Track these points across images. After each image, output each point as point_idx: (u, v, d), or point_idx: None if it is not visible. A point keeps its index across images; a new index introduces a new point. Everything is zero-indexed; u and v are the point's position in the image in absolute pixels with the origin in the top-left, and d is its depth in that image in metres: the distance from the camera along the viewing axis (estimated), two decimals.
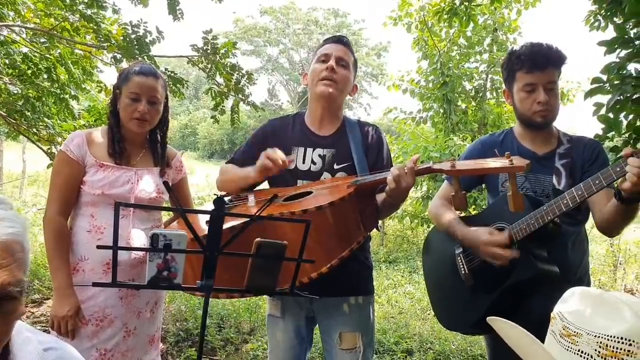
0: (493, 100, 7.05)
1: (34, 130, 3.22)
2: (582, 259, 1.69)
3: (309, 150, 1.73)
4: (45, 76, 3.11)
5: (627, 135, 1.91)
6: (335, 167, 1.71)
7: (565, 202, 1.45)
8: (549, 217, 1.47)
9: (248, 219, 1.30)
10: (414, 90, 6.97)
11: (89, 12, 2.92)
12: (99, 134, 1.82)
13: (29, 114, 3.14)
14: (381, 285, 5.44)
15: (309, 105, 1.83)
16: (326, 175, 1.71)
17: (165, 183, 1.27)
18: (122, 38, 2.82)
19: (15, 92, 3.19)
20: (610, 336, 0.68)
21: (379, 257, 7.03)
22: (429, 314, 4.24)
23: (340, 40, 1.77)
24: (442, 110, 6.82)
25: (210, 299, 1.47)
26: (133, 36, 2.87)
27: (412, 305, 4.66)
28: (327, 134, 1.77)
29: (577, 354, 0.71)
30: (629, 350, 0.67)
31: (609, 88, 1.80)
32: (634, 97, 1.81)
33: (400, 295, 5.10)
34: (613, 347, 0.68)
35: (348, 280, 1.65)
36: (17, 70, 3.08)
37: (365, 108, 37.98)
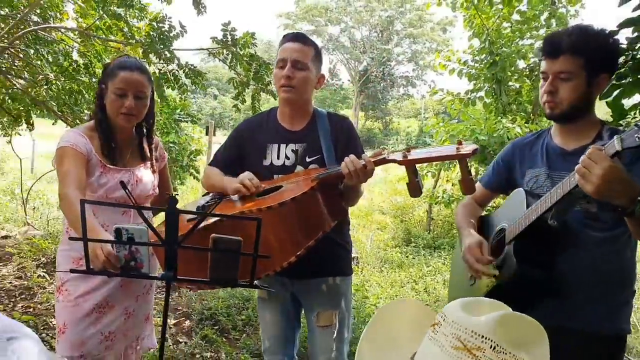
0: None
1: (77, 121, 3.51)
2: (609, 268, 1.46)
3: (282, 146, 1.81)
4: (84, 71, 3.37)
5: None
6: (307, 160, 1.78)
7: (545, 201, 1.35)
8: (534, 217, 1.39)
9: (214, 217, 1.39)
10: (461, 71, 6.68)
11: (119, 11, 3.11)
12: (93, 133, 1.82)
13: (73, 106, 3.44)
14: (419, 272, 5.36)
15: (279, 104, 1.89)
16: (299, 168, 1.78)
17: (121, 183, 1.35)
18: (147, 34, 2.99)
19: (63, 87, 3.49)
20: (464, 328, 0.71)
21: (423, 242, 6.92)
22: None
23: (295, 38, 1.79)
24: (492, 91, 6.49)
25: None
26: (158, 31, 3.03)
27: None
28: (297, 128, 1.84)
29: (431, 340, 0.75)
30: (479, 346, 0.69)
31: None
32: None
33: (439, 283, 5.01)
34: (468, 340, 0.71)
35: (326, 262, 1.78)
36: (60, 67, 3.38)
37: (430, 85, 36.83)
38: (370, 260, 5.66)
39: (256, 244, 1.36)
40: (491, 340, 0.70)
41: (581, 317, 1.44)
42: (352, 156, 1.53)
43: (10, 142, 6.39)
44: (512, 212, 1.52)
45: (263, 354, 2.01)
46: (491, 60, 6.21)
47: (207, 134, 7.77)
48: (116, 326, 1.85)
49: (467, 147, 1.33)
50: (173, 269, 1.36)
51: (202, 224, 1.47)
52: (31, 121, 3.97)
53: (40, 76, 3.66)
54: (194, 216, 1.55)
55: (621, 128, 1.56)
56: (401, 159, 1.45)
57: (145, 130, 1.94)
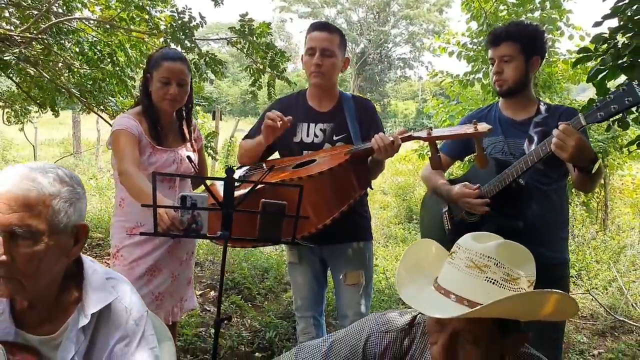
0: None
1: (102, 107, 3.74)
2: (555, 215, 1.87)
3: (312, 125, 2.03)
4: (108, 60, 3.59)
5: None
6: (335, 138, 2.00)
7: (521, 165, 1.67)
8: (510, 179, 1.71)
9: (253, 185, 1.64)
10: (460, 53, 6.87)
11: (141, 2, 3.31)
12: (141, 117, 2.02)
13: (96, 93, 3.65)
14: None
15: (309, 86, 2.10)
16: (327, 145, 2.01)
17: (188, 157, 1.61)
18: (169, 24, 3.20)
19: (86, 74, 3.70)
20: (475, 252, 0.97)
21: None
22: None
23: (322, 27, 1.99)
24: (490, 73, 6.69)
25: (249, 252, 1.86)
26: (179, 22, 3.24)
27: None
28: (326, 109, 2.05)
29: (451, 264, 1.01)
30: (486, 264, 0.96)
31: (595, 58, 1.91)
32: (624, 65, 1.90)
33: None
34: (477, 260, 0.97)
35: (350, 229, 2.00)
36: (85, 57, 3.59)
37: (427, 67, 36.82)
38: (376, 236, 5.96)
39: (298, 207, 1.62)
40: (495, 259, 0.96)
41: (541, 253, 1.75)
42: (381, 134, 1.76)
43: (22, 129, 6.59)
44: (482, 175, 1.82)
45: (295, 312, 2.23)
46: None
47: (213, 118, 7.98)
48: (165, 287, 2.10)
49: (483, 126, 1.58)
50: (229, 229, 1.62)
51: (240, 192, 1.73)
52: (57, 108, 4.18)
53: (60, 64, 3.88)
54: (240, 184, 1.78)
55: (555, 103, 1.93)
56: (425, 136, 1.67)
57: (185, 114, 2.16)
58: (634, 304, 3.87)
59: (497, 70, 1.84)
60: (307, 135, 2.03)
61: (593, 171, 1.58)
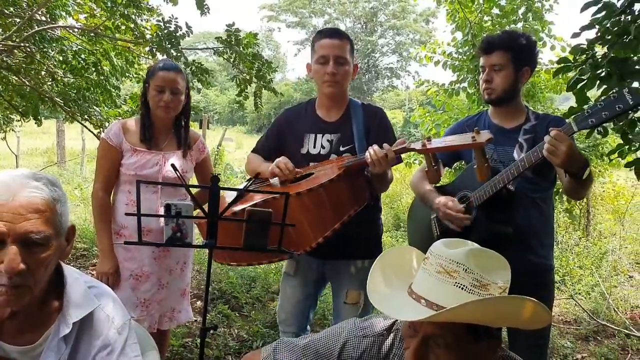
0: None
1: (86, 116, 3.71)
2: (542, 222, 1.90)
3: (319, 136, 1.98)
4: (93, 69, 3.57)
5: None
6: (341, 149, 1.95)
7: (512, 171, 1.69)
8: (500, 185, 1.71)
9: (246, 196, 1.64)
10: (446, 62, 6.97)
11: (126, 11, 3.31)
12: (133, 123, 2.17)
13: (80, 102, 3.63)
14: None
15: (318, 95, 2.05)
16: (334, 157, 1.94)
17: (172, 166, 1.61)
18: (155, 34, 3.20)
19: (69, 83, 3.68)
20: (445, 257, 0.98)
21: None
22: None
23: (333, 34, 1.94)
24: (474, 82, 6.80)
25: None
26: (165, 32, 3.24)
27: None
28: (333, 119, 2.00)
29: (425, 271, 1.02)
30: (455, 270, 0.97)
31: (574, 69, 1.96)
32: (601, 75, 1.95)
33: None
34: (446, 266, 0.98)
35: (356, 245, 1.91)
36: (69, 65, 3.57)
37: (414, 76, 37.21)
38: None
39: (284, 214, 1.61)
40: (464, 265, 0.97)
41: (527, 260, 1.82)
42: (375, 146, 1.69)
43: (4, 138, 6.49)
44: (471, 182, 1.83)
45: (279, 324, 2.17)
46: (474, 53, 6.51)
47: (200, 127, 7.96)
48: (151, 295, 2.13)
49: (482, 136, 1.50)
50: (214, 238, 1.62)
51: (240, 207, 1.73)
52: (39, 117, 4.14)
53: (43, 72, 3.85)
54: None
55: (541, 112, 1.99)
56: (420, 148, 1.61)
57: (183, 123, 2.23)
58: (615, 309, 3.93)
59: (486, 78, 1.86)
60: (314, 147, 1.98)
61: (584, 177, 1.60)
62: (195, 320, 3.32)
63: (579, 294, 4.27)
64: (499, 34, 1.89)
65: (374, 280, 1.15)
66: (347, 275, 1.96)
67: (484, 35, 6.73)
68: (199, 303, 3.64)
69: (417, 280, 1.05)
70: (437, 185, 2.07)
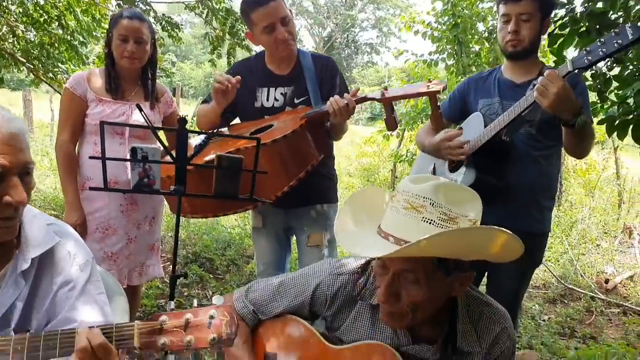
0: None
1: (51, 75, 3.53)
2: (542, 182, 1.81)
3: (272, 89, 1.96)
4: (56, 24, 3.38)
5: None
6: (295, 101, 1.95)
7: (505, 118, 1.62)
8: (494, 132, 1.66)
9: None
10: (425, 32, 6.91)
11: None
12: (98, 73, 2.09)
13: (44, 59, 3.44)
14: None
15: (267, 52, 1.99)
16: (288, 109, 1.94)
17: (137, 106, 1.53)
18: None
19: (32, 40, 3.48)
20: (412, 193, 0.96)
21: None
22: None
23: (264, 1, 1.83)
24: (454, 52, 6.77)
25: (211, 225, 1.84)
26: None
27: None
28: (285, 72, 1.98)
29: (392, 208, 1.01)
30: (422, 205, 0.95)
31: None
32: (580, 30, 1.93)
33: None
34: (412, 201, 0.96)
35: (314, 192, 1.96)
36: (30, 18, 3.36)
37: (394, 53, 36.97)
38: None
39: (255, 161, 1.57)
40: (430, 199, 0.95)
41: (521, 219, 1.77)
42: (336, 96, 1.71)
43: None
44: (471, 131, 1.78)
45: (257, 277, 2.19)
46: (453, 22, 6.46)
47: (173, 95, 7.74)
48: (119, 248, 2.08)
49: (437, 85, 1.56)
50: (183, 184, 1.56)
51: (206, 158, 1.67)
52: (1, 76, 3.92)
53: (4, 28, 3.63)
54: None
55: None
56: (380, 97, 1.66)
57: (150, 74, 2.16)
58: (582, 274, 4.05)
59: (515, 28, 1.71)
60: (267, 100, 1.97)
61: (577, 125, 1.51)
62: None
63: (549, 260, 4.38)
64: None
65: (342, 220, 1.13)
66: (308, 219, 2.01)
67: (463, 4, 6.70)
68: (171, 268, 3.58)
69: (386, 219, 1.03)
70: None
